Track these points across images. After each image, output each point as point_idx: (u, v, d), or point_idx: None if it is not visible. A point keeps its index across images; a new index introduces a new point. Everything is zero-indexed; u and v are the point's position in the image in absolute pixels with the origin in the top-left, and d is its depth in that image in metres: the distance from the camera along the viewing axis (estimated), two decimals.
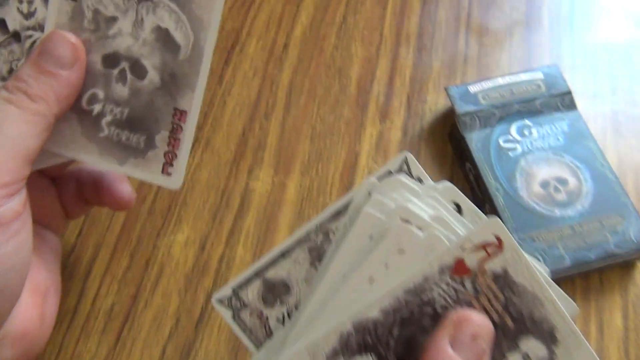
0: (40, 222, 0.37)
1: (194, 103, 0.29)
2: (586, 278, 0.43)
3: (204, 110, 0.49)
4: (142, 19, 0.28)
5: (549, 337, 0.27)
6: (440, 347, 0.26)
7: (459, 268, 0.27)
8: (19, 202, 0.29)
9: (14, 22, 0.30)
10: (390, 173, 0.30)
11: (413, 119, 0.50)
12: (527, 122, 0.46)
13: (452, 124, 0.47)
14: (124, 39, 0.28)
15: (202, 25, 0.27)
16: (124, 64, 0.29)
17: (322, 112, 0.50)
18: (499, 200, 0.43)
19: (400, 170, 0.30)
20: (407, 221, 0.27)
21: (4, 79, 0.31)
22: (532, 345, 0.27)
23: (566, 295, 0.28)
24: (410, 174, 0.30)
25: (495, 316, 0.27)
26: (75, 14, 0.29)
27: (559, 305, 0.27)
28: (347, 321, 0.26)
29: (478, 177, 0.44)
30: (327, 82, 0.51)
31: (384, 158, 0.48)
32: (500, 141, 0.45)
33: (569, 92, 0.47)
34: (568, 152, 0.45)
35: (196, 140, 0.48)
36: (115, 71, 0.29)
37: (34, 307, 0.33)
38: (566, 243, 0.41)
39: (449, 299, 0.27)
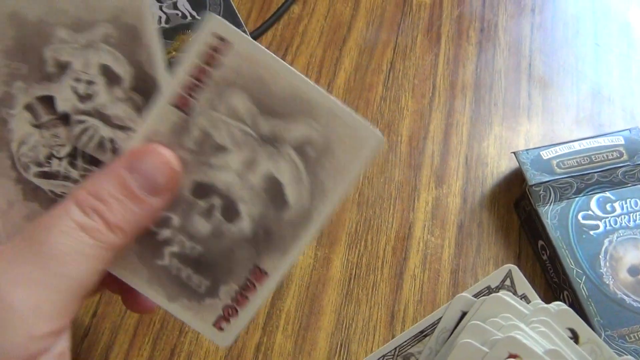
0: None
1: (280, 268, 0.23)
2: None
3: None
4: (256, 161, 0.22)
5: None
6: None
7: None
8: (61, 348, 0.23)
9: (65, 102, 0.24)
10: (489, 289, 0.24)
11: (473, 184, 0.44)
12: (609, 195, 0.40)
13: (522, 193, 0.41)
14: (227, 174, 0.23)
15: (323, 193, 0.22)
16: (216, 200, 0.23)
17: (370, 174, 0.44)
18: (581, 288, 0.37)
19: (502, 286, 0.25)
20: (515, 356, 0.22)
21: (39, 164, 0.25)
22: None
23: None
24: (514, 292, 0.24)
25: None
26: (180, 127, 0.23)
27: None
28: None
29: (555, 259, 0.39)
30: None
31: (441, 229, 0.42)
32: (580, 217, 0.39)
33: None
34: None
35: None
36: (203, 203, 0.23)
37: None
38: None
39: None
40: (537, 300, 0.25)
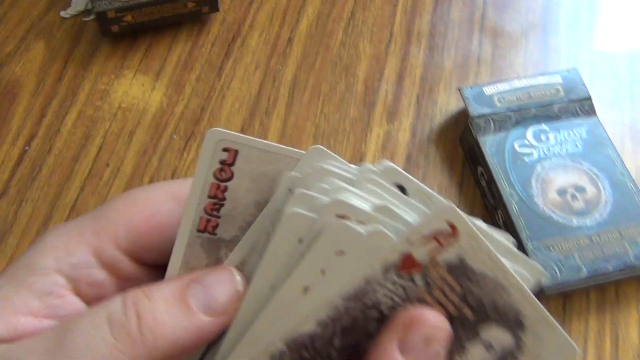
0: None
1: None
2: (602, 290, 0.40)
3: (201, 104, 0.47)
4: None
5: (514, 324, 0.23)
6: (387, 353, 0.21)
7: (406, 264, 0.22)
8: None
9: None
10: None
11: (422, 121, 0.47)
12: (544, 127, 0.44)
13: (465, 127, 0.45)
14: None
15: None
16: None
17: (327, 110, 0.47)
18: (513, 207, 0.40)
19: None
20: (344, 216, 0.23)
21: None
22: (494, 334, 0.23)
23: (534, 263, 0.24)
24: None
25: (451, 308, 0.23)
26: None
27: (526, 290, 0.23)
28: (278, 340, 0.22)
29: (491, 182, 0.42)
30: (332, 80, 0.49)
31: (390, 160, 0.45)
32: (516, 146, 0.43)
33: (589, 98, 0.45)
34: (586, 159, 0.42)
35: (191, 135, 0.46)
36: None
37: None
38: (583, 253, 0.39)
39: (396, 298, 0.23)
40: (365, 165, 0.25)
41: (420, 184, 0.24)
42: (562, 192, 0.41)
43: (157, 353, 0.20)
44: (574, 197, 0.41)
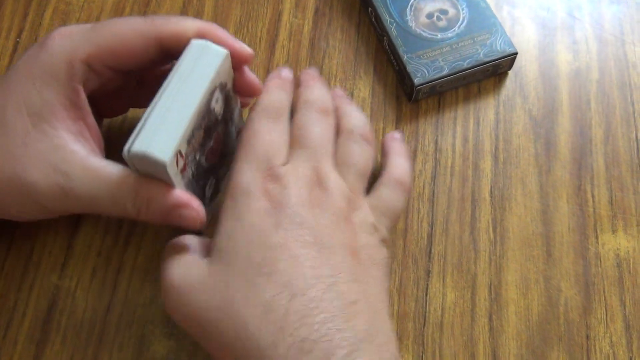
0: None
1: None
2: (467, 88, 0.54)
3: None
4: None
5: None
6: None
7: None
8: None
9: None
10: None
11: None
12: None
13: None
14: None
15: None
16: None
17: None
18: (393, 31, 0.53)
19: None
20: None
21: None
22: None
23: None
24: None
25: None
26: None
27: None
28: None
29: (377, 17, 0.54)
30: None
31: (303, 13, 0.58)
32: None
33: None
34: None
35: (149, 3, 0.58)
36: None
37: None
38: (445, 57, 0.52)
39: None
40: None
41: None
42: (430, 16, 0.54)
43: None
44: (438, 18, 0.53)
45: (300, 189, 0.36)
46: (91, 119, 0.39)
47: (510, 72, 0.54)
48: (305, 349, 0.30)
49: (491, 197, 0.49)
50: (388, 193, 0.42)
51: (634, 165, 0.50)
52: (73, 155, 0.37)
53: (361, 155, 0.42)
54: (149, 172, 0.36)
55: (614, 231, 0.48)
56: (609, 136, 0.52)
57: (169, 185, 0.37)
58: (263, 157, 0.37)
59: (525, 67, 0.55)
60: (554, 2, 0.58)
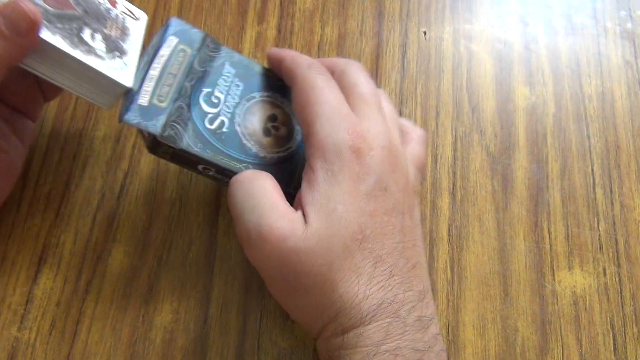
0: (18, 108, 0.45)
1: None
2: (425, 124, 0.54)
3: None
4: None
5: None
6: None
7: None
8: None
9: None
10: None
11: (285, 19, 0.59)
12: (205, 90, 0.43)
13: (154, 142, 0.41)
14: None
15: None
16: None
17: (209, 22, 0.59)
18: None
19: None
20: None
21: None
22: None
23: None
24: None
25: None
26: None
27: None
28: None
29: (220, 168, 0.42)
30: None
31: (262, 53, 0.58)
32: (207, 124, 0.42)
33: (206, 35, 0.44)
34: (256, 89, 0.45)
35: None
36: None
37: None
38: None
39: None
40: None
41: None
42: (267, 132, 0.44)
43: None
44: (274, 127, 0.44)
45: (382, 149, 0.38)
46: None
47: (467, 107, 0.55)
48: (382, 306, 0.35)
49: (449, 235, 0.50)
50: (419, 149, 0.43)
51: (590, 200, 0.51)
52: None
53: (395, 112, 0.43)
54: None
55: (570, 268, 0.48)
56: (565, 171, 0.52)
57: None
58: (340, 113, 0.38)
59: (483, 102, 0.55)
60: (510, 34, 0.58)
